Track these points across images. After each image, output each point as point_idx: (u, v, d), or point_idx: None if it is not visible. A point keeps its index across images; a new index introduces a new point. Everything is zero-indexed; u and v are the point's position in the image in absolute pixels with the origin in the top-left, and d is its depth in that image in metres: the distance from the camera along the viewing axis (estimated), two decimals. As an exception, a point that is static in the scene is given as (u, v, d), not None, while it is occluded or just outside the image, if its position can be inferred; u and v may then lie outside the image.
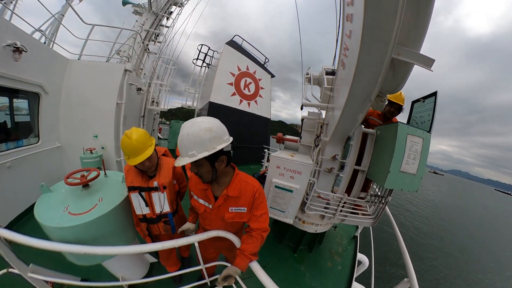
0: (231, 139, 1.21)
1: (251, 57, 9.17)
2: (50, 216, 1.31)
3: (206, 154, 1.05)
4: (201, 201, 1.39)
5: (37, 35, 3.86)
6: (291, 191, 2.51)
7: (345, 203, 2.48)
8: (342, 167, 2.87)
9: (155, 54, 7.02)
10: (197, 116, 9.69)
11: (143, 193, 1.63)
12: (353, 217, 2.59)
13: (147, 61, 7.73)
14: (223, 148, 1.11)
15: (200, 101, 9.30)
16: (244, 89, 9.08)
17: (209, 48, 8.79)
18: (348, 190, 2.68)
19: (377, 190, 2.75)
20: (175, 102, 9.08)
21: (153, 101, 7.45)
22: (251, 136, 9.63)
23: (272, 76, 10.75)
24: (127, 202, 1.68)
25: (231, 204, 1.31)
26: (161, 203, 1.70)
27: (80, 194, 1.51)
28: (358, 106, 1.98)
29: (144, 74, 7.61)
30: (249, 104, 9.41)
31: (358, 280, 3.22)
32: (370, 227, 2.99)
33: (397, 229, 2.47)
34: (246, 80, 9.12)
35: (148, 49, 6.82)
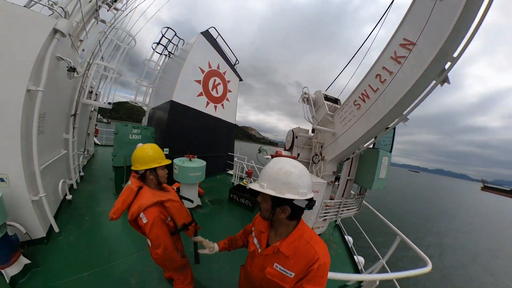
0: (309, 196, 1.09)
1: (224, 55, 8.10)
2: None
3: (271, 193, 1.05)
4: (255, 240, 1.34)
5: None
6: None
7: (344, 204, 3.42)
8: (336, 178, 3.62)
9: (106, 24, 4.70)
10: (148, 116, 7.65)
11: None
12: (345, 213, 3.45)
13: (93, 31, 4.93)
14: (292, 200, 1.07)
15: (153, 98, 7.32)
16: (212, 90, 7.87)
17: (175, 34, 7.05)
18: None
19: (358, 190, 3.68)
20: (116, 95, 6.74)
21: (90, 92, 5.02)
22: (217, 144, 8.51)
23: (240, 79, 9.98)
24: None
25: (279, 261, 1.15)
26: None
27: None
28: (366, 141, 2.82)
29: (83, 50, 4.99)
30: (215, 107, 8.26)
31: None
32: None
33: (373, 209, 3.80)
34: (215, 80, 7.95)
35: (99, 14, 4.45)
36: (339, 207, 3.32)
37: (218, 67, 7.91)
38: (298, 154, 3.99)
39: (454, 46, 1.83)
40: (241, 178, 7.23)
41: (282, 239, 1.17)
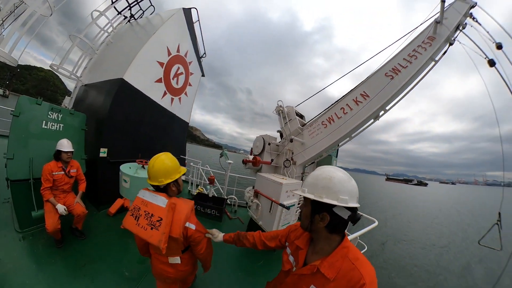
0: (350, 204, 0.98)
1: (195, 43, 7.12)
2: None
3: (310, 196, 1.03)
4: (291, 258, 1.24)
5: None
6: (294, 205, 3.44)
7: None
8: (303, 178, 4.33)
9: None
10: (75, 96, 5.40)
11: None
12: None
13: None
14: (331, 206, 0.99)
15: (91, 70, 5.27)
16: (173, 78, 6.74)
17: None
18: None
19: None
20: (28, 54, 4.14)
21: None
22: (169, 144, 7.18)
23: (203, 75, 9.16)
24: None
25: (317, 282, 1.00)
26: None
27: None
28: (328, 151, 3.82)
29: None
30: (172, 100, 7.10)
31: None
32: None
33: None
34: (178, 68, 6.89)
35: None
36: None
37: (186, 55, 6.90)
38: (272, 160, 4.43)
39: (388, 103, 3.19)
40: (197, 185, 6.35)
41: (323, 257, 1.02)
